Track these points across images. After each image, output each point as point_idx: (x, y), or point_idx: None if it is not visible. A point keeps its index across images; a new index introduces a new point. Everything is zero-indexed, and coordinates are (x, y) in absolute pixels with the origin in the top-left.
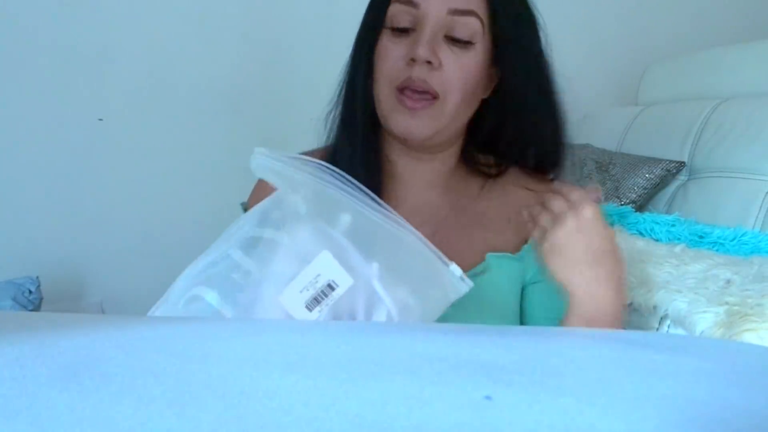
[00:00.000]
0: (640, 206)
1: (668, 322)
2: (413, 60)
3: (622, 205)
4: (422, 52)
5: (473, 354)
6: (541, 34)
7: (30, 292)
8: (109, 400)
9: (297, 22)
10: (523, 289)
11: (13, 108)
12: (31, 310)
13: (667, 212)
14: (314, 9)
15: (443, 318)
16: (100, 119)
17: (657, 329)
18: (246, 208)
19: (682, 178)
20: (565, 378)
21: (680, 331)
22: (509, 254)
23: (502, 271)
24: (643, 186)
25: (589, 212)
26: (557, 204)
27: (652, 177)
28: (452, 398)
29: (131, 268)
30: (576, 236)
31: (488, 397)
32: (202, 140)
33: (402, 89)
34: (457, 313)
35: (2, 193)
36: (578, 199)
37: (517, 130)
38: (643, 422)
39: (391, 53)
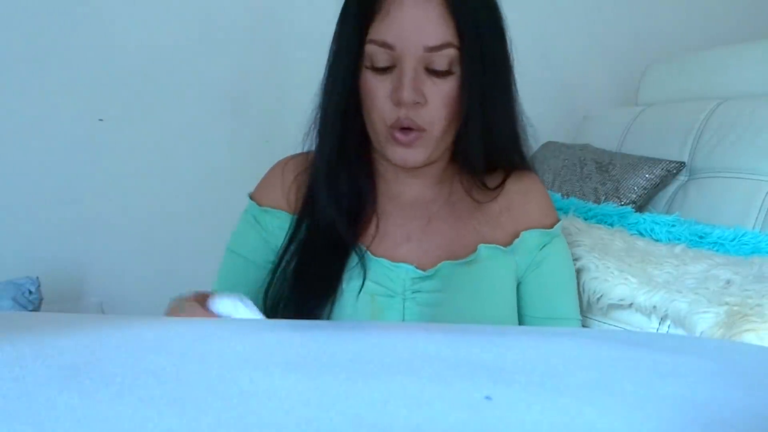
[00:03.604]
0: (640, 206)
1: (668, 322)
2: (399, 102)
3: (622, 205)
4: (407, 96)
5: (473, 354)
6: (508, 43)
7: (30, 292)
8: (109, 400)
9: (298, 22)
10: (519, 283)
11: (13, 108)
12: (31, 311)
13: (667, 212)
14: (315, 10)
15: (440, 305)
16: (100, 119)
17: (657, 329)
18: (256, 198)
19: (682, 178)
20: (565, 378)
21: (680, 331)
22: (500, 246)
23: (494, 262)
24: (643, 186)
25: None
26: None
27: (652, 177)
28: (452, 398)
29: (131, 268)
30: None
31: (488, 397)
32: (202, 140)
33: (393, 128)
34: (452, 299)
35: (2, 193)
36: None
37: (476, 138)
38: (643, 422)
39: (377, 92)
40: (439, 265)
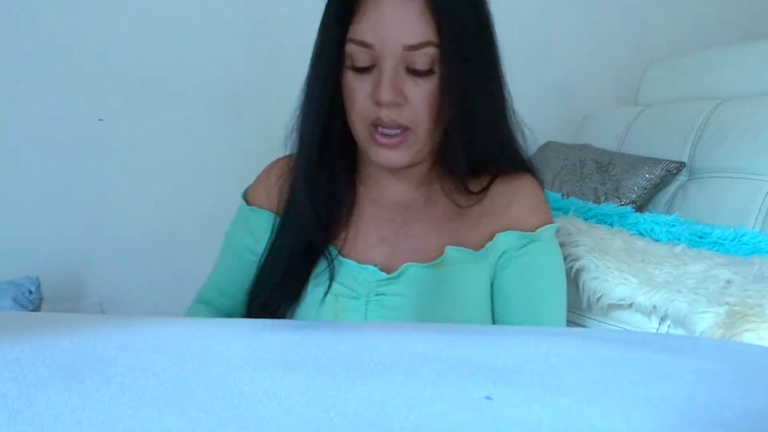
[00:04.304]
0: (640, 206)
1: (668, 322)
2: (379, 102)
3: (622, 205)
4: (386, 96)
5: (473, 354)
6: (495, 44)
7: (30, 292)
8: (109, 400)
9: (298, 22)
10: (493, 280)
11: (13, 108)
12: (31, 311)
13: (667, 212)
14: (316, 10)
15: (403, 309)
16: (101, 119)
17: (657, 329)
18: (246, 196)
19: (682, 178)
20: (565, 378)
21: (680, 331)
22: (470, 250)
23: (462, 266)
24: (643, 186)
25: None
26: None
27: (652, 177)
28: (452, 398)
29: (131, 268)
30: None
31: (488, 397)
32: (202, 140)
33: (375, 125)
34: (416, 303)
35: (2, 193)
36: None
37: (458, 142)
38: (643, 422)
39: (357, 92)
40: (401, 267)
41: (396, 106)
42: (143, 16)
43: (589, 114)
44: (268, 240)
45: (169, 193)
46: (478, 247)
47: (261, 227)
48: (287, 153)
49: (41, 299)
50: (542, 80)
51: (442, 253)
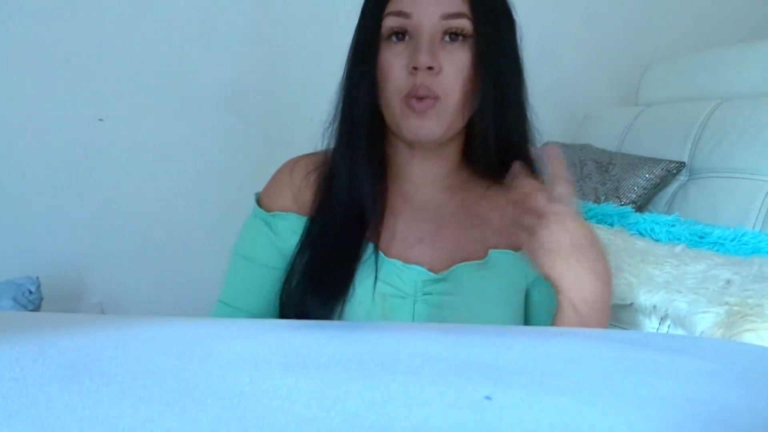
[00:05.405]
0: (640, 206)
1: (668, 322)
2: (415, 68)
3: (622, 205)
4: (423, 59)
5: (473, 354)
6: (517, 32)
7: (30, 292)
8: (109, 400)
9: (298, 22)
10: (527, 292)
11: (13, 108)
12: (31, 310)
13: (667, 212)
14: (315, 10)
15: (450, 308)
16: (100, 119)
17: (657, 329)
18: (259, 199)
19: (682, 178)
20: (565, 378)
21: (680, 331)
22: (511, 252)
23: (504, 268)
24: (643, 186)
25: (568, 208)
26: (538, 203)
27: (652, 177)
28: (452, 398)
29: (131, 268)
30: (561, 232)
31: (488, 397)
32: (202, 141)
33: (408, 97)
34: (462, 302)
35: (2, 193)
36: (557, 196)
37: (489, 124)
38: (643, 422)
39: (393, 65)
40: (452, 267)
41: (431, 73)
42: (143, 17)
43: (589, 114)
44: (300, 241)
45: (168, 192)
46: (517, 249)
47: (287, 231)
48: (325, 146)
49: (41, 299)
50: (542, 80)
51: (484, 254)
